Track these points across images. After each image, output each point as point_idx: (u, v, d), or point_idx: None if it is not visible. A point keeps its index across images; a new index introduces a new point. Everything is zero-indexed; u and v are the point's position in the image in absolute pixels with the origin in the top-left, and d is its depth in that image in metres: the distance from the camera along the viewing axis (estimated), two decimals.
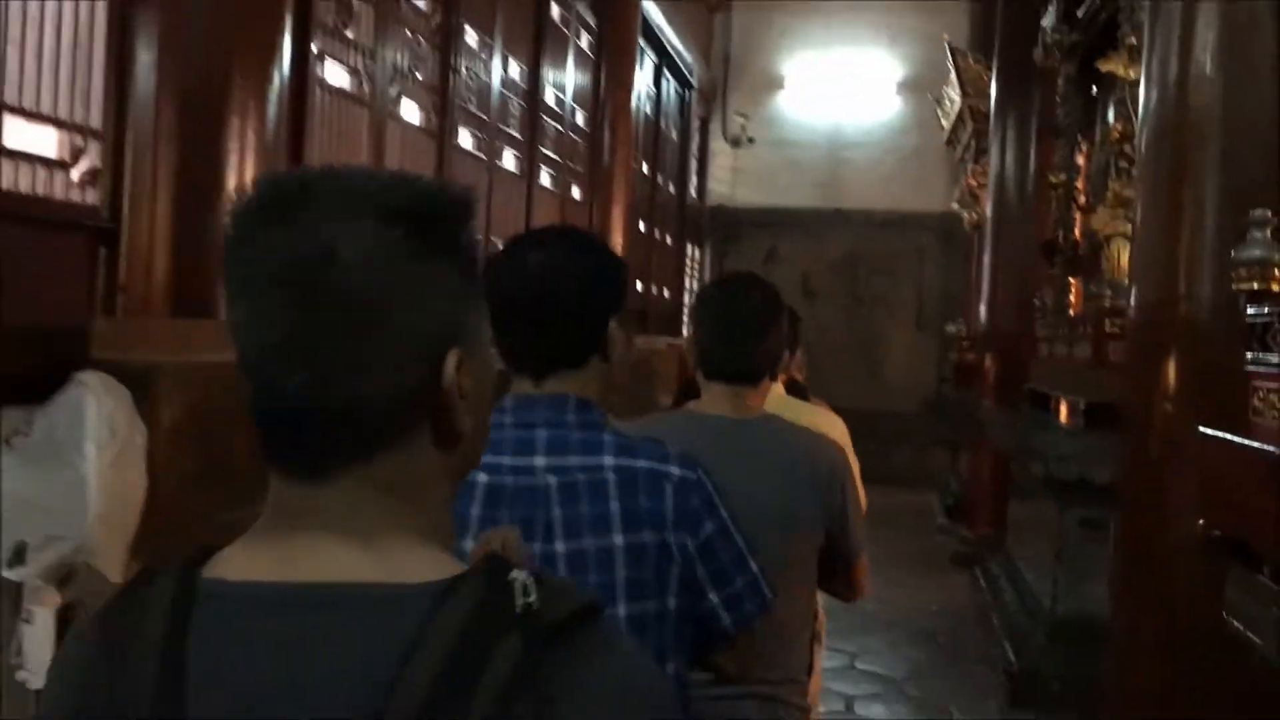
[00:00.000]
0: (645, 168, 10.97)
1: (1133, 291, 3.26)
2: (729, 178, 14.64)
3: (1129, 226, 4.92)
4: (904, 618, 6.28)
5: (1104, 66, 4.89)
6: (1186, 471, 3.01)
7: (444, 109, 5.68)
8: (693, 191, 13.91)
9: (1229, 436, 1.72)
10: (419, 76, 5.42)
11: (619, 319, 1.56)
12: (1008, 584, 6.00)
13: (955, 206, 11.82)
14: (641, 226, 10.36)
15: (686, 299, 13.16)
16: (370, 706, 0.68)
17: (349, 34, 4.67)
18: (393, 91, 5.10)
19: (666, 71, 11.92)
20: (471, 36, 6.11)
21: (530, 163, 7.24)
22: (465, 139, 6.10)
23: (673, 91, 12.51)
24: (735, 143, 14.45)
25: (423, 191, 0.79)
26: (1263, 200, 3.04)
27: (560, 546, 1.42)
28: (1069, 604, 4.77)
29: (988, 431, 7.05)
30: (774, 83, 14.41)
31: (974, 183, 9.89)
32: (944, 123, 11.93)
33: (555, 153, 7.74)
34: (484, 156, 6.40)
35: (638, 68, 9.40)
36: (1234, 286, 1.79)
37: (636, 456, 1.48)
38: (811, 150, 14.28)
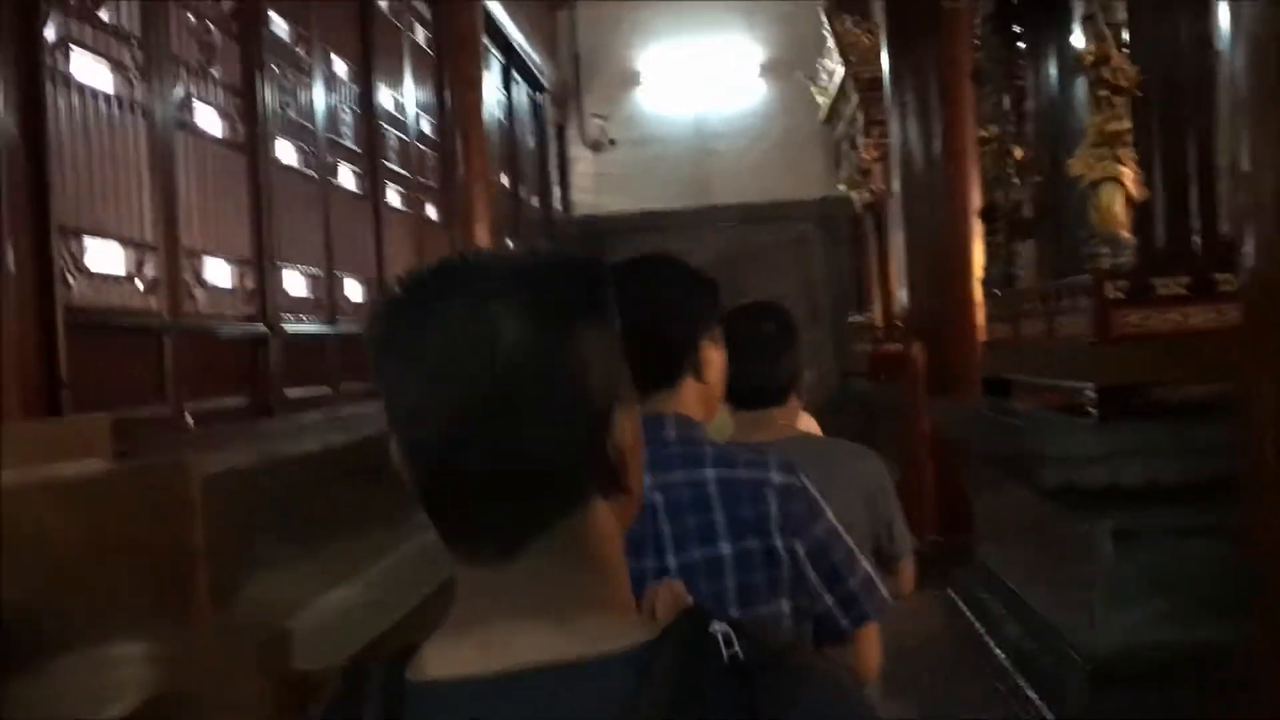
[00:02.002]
0: (505, 180, 9.85)
1: (1246, 239, 2.32)
2: (593, 185, 13.61)
3: (1120, 168, 4.06)
4: (884, 657, 5.29)
5: None
6: None
7: (253, 115, 4.48)
8: (556, 203, 12.85)
9: None
10: (215, 74, 4.21)
11: (713, 339, 1.66)
12: (1003, 609, 5.07)
13: (843, 188, 11.02)
14: (510, 245, 9.24)
15: None
16: None
17: (103, 15, 3.45)
18: (178, 92, 3.89)
19: (515, 73, 10.82)
20: (281, 26, 4.92)
21: (373, 180, 6.06)
22: (287, 153, 4.90)
23: (524, 95, 11.42)
24: (596, 146, 13.43)
25: (563, 261, 0.86)
26: None
27: (672, 561, 1.52)
28: (1110, 639, 3.84)
29: (947, 429, 6.14)
30: (630, 79, 13.45)
31: (868, 156, 9.04)
32: (820, 99, 11.12)
33: (401, 167, 6.58)
34: (315, 174, 5.21)
35: (484, 68, 8.27)
36: None
37: (736, 467, 1.57)
38: (677, 146, 13.36)
